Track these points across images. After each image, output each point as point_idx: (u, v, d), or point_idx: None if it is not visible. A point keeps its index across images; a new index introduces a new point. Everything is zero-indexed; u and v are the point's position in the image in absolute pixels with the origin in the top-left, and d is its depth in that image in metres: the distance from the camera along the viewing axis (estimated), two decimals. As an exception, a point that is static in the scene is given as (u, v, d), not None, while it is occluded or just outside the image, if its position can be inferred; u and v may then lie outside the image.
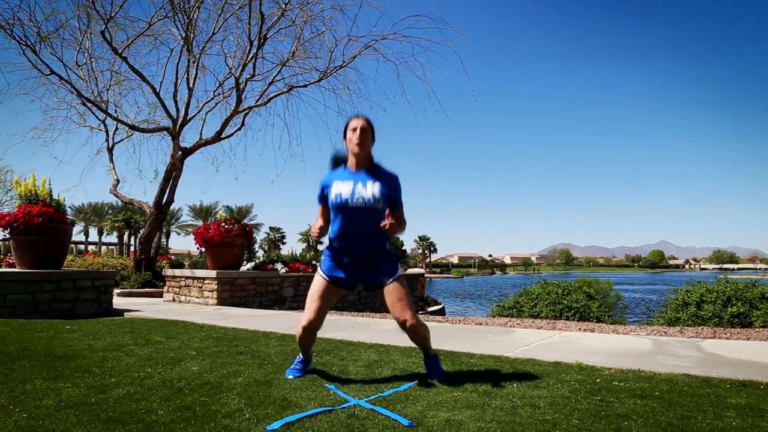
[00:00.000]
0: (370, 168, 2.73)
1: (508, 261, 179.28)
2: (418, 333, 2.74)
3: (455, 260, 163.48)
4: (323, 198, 2.77)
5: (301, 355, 2.94)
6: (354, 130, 2.69)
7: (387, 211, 2.71)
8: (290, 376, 2.82)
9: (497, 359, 3.39)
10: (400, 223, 2.78)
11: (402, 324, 2.70)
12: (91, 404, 2.24)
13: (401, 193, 2.77)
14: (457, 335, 4.68)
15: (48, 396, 2.37)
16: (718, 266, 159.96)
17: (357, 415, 2.11)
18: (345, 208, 2.65)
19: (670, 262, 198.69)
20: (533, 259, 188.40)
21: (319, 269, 2.83)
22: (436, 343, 4.01)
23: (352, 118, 2.76)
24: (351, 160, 2.74)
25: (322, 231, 2.76)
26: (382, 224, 2.60)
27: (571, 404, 2.29)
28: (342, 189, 2.66)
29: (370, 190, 2.64)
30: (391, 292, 2.71)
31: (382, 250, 2.76)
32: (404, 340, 4.20)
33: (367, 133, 2.70)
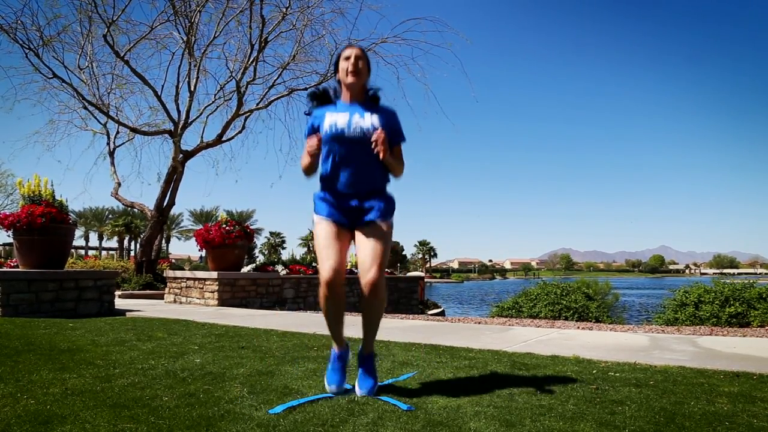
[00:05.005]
0: (365, 101, 2.47)
1: (508, 266, 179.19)
2: (377, 297, 2.29)
3: (455, 265, 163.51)
4: (314, 130, 2.44)
5: (334, 346, 2.47)
6: (347, 58, 2.41)
7: (380, 132, 2.32)
8: (332, 386, 2.35)
9: (495, 353, 3.43)
10: (398, 162, 2.46)
11: (365, 273, 2.27)
12: (97, 392, 2.29)
13: (401, 126, 2.50)
14: (455, 332, 4.73)
15: (54, 385, 2.41)
16: (718, 271, 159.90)
17: (357, 401, 2.16)
18: (341, 139, 2.34)
19: (671, 266, 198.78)
20: (533, 264, 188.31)
21: (315, 216, 2.45)
22: (434, 340, 4.07)
23: (344, 47, 2.50)
24: (344, 94, 2.46)
25: (313, 158, 2.38)
26: (373, 138, 2.29)
27: (567, 391, 2.34)
28: (337, 119, 2.37)
29: (369, 120, 2.36)
30: (370, 235, 2.33)
31: (381, 190, 2.45)
32: (404, 336, 4.26)
33: (362, 61, 2.43)
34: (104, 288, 6.45)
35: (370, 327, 2.41)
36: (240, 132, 12.99)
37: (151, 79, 11.92)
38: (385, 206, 2.40)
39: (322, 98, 2.51)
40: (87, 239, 56.08)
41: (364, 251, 2.31)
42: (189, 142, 13.03)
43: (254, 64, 11.62)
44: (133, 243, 48.72)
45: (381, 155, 2.29)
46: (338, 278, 2.28)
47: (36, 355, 3.19)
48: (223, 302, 8.04)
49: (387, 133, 2.35)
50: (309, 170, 2.45)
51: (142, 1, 16.87)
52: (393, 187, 2.57)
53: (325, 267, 2.28)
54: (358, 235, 2.38)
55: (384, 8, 12.13)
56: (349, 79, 2.39)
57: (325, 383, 2.38)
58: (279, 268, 9.75)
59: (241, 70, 11.58)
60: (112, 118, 12.30)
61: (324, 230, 2.37)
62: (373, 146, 2.28)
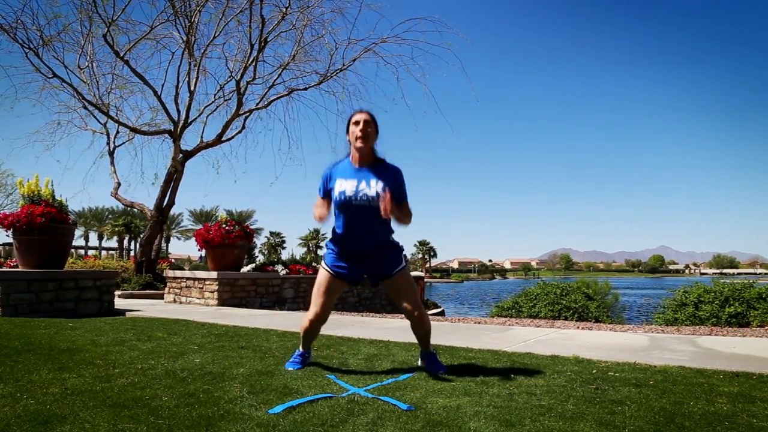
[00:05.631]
0: (373, 163, 2.72)
1: (508, 266, 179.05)
2: (424, 324, 2.79)
3: (455, 265, 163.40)
4: (325, 192, 2.76)
5: (301, 348, 2.97)
6: (357, 123, 2.67)
7: (388, 196, 2.57)
8: (290, 368, 2.85)
9: (495, 353, 3.43)
10: (406, 215, 2.75)
11: (410, 313, 2.74)
12: (97, 392, 2.29)
13: (405, 186, 2.77)
14: (455, 332, 4.73)
15: (54, 385, 2.41)
16: (718, 271, 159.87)
17: (357, 401, 2.16)
18: (348, 206, 2.64)
19: (670, 266, 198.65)
20: (533, 264, 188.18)
21: (323, 263, 2.84)
22: (434, 339, 4.05)
23: (355, 111, 2.75)
24: (354, 155, 2.72)
25: (323, 217, 2.73)
26: (381, 208, 2.52)
27: (567, 392, 2.34)
28: (345, 187, 2.64)
29: (374, 187, 2.61)
30: (398, 282, 2.77)
31: (386, 243, 2.80)
32: (403, 336, 4.25)
33: (371, 127, 2.68)
34: (104, 288, 6.45)
35: (424, 340, 2.86)
36: (240, 132, 12.98)
37: (151, 79, 11.93)
38: (398, 259, 2.80)
39: None
40: (87, 239, 56.08)
41: (402, 299, 2.77)
42: (189, 142, 13.02)
43: (254, 64, 11.61)
44: (132, 243, 48.67)
45: (385, 215, 2.53)
46: (320, 321, 2.84)
47: (36, 355, 3.19)
48: (222, 302, 8.04)
49: (392, 194, 2.63)
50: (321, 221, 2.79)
51: (142, 1, 16.91)
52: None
53: (313, 310, 2.81)
54: (389, 286, 2.80)
55: (384, 8, 12.11)
56: (358, 144, 2.66)
57: (285, 367, 2.88)
58: (279, 268, 9.75)
59: (241, 70, 11.57)
60: (112, 118, 12.29)
61: (324, 279, 2.81)
62: (382, 212, 2.52)
